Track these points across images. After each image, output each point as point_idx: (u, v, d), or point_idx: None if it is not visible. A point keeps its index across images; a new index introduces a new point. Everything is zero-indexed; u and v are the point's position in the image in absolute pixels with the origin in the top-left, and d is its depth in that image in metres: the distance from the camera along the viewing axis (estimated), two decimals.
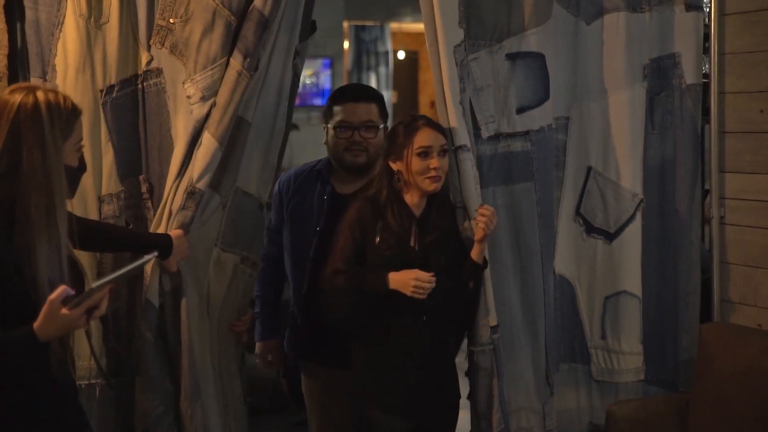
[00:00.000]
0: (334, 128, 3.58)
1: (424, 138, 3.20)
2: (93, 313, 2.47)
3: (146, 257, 2.64)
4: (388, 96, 12.72)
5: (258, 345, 3.82)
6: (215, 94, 3.32)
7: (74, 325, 2.45)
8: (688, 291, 3.87)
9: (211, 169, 3.31)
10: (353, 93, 3.66)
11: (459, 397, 3.39)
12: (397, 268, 3.16)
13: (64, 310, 2.39)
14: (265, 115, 3.48)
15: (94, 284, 2.44)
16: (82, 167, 2.71)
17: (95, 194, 3.38)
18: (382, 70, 12.91)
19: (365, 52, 12.86)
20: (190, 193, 3.29)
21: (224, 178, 3.41)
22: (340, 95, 3.65)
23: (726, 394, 3.52)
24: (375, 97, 3.66)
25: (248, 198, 3.49)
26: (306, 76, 11.33)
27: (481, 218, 3.23)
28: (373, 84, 13.03)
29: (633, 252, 3.80)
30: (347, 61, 12.12)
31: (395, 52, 13.58)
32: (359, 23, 12.37)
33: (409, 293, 3.11)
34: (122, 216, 3.40)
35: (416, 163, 3.19)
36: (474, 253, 3.27)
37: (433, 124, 3.25)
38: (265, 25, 3.32)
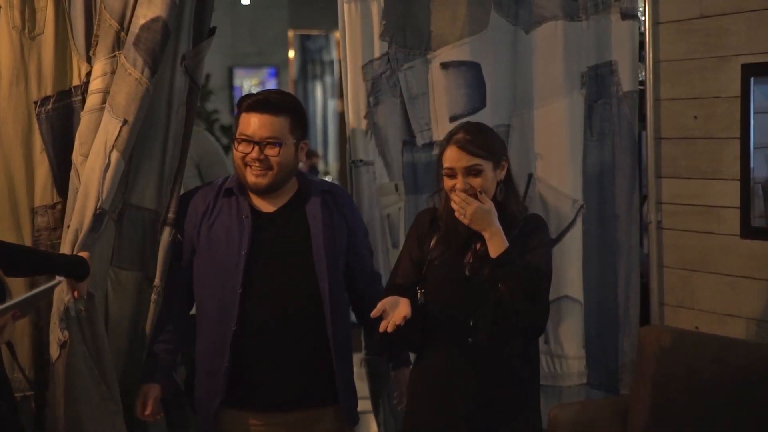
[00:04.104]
0: (234, 140, 3.18)
1: (447, 158, 3.00)
2: None
3: (53, 282, 2.57)
4: (334, 105, 12.72)
5: (142, 387, 3.25)
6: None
7: None
8: (628, 295, 3.92)
9: (114, 188, 3.20)
10: (260, 103, 3.14)
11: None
12: (448, 280, 3.01)
13: None
14: (154, 125, 3.33)
15: None
16: None
17: (28, 206, 3.34)
18: (327, 78, 12.91)
19: (311, 61, 12.87)
20: (98, 215, 3.19)
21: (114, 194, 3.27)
22: (246, 102, 3.18)
23: (665, 396, 3.57)
24: (285, 109, 3.16)
25: (143, 212, 3.36)
26: (252, 85, 11.30)
27: (453, 205, 2.97)
28: (318, 93, 13.00)
29: (574, 257, 3.84)
30: (293, 70, 12.10)
31: (341, 61, 13.59)
32: (304, 32, 12.36)
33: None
34: (58, 228, 3.35)
35: (445, 182, 3.01)
36: (489, 249, 2.96)
37: (465, 142, 2.99)
38: (168, 35, 3.22)
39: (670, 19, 3.86)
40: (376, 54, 3.68)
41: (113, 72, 3.24)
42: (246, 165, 3.15)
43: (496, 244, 2.93)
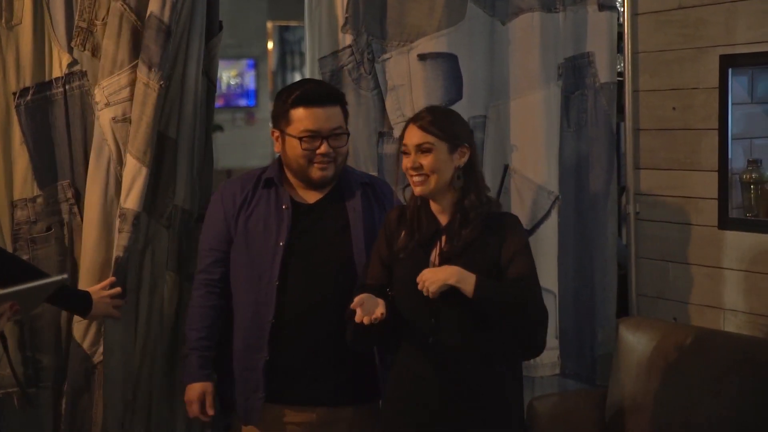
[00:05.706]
0: (299, 138, 3.05)
1: (405, 136, 2.92)
2: None
3: (56, 277, 2.55)
4: None
5: (197, 386, 3.16)
6: (123, 101, 3.28)
7: None
8: (604, 286, 3.93)
9: (136, 188, 3.24)
10: (318, 95, 3.08)
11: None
12: (412, 279, 2.85)
13: None
14: (188, 128, 3.40)
15: None
16: None
17: (8, 199, 3.32)
18: (306, 70, 12.89)
19: (289, 52, 12.82)
20: (122, 215, 3.25)
21: (157, 200, 3.35)
22: (302, 98, 3.06)
23: (643, 387, 3.58)
24: (339, 97, 3.14)
25: (186, 214, 3.44)
26: (230, 77, 11.27)
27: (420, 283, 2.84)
28: None
29: (549, 249, 3.83)
30: (272, 62, 12.07)
31: None
32: (283, 23, 12.33)
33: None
34: (38, 222, 3.34)
35: (403, 162, 2.92)
36: (464, 292, 2.84)
37: (423, 121, 2.90)
38: (167, 33, 3.24)
39: (648, 10, 3.86)
40: (338, 46, 3.68)
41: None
42: (310, 161, 3.07)
43: (466, 284, 2.82)
